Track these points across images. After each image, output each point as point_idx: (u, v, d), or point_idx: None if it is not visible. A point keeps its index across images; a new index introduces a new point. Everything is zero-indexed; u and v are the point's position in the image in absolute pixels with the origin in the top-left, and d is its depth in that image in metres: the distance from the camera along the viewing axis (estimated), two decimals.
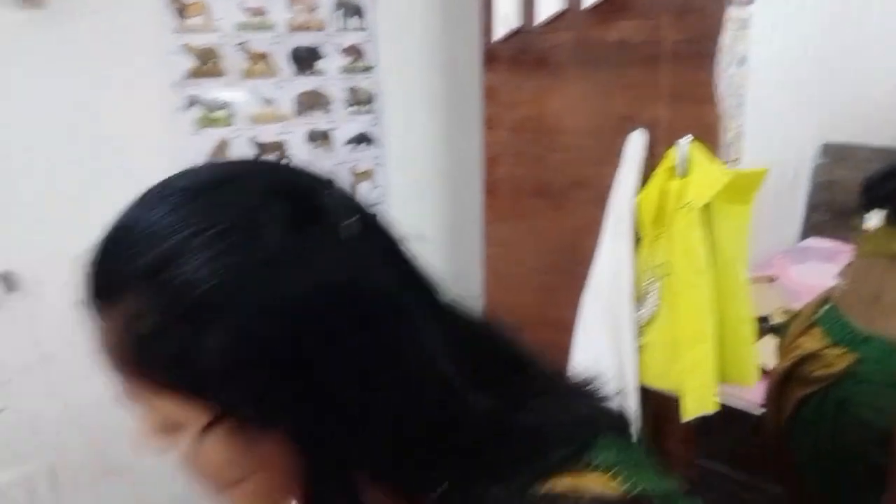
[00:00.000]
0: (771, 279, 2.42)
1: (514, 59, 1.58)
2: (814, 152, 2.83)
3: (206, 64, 1.49)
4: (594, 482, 0.50)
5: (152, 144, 1.45)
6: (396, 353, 0.48)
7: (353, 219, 0.48)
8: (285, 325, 0.45)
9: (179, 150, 1.48)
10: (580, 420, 0.55)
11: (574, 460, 0.51)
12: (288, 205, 0.47)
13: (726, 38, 2.53)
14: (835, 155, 2.78)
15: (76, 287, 1.31)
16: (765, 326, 1.86)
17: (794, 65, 2.77)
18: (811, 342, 1.47)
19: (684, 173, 1.30)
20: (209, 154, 1.52)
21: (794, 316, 1.62)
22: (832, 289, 1.56)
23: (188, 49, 1.46)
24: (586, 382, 0.60)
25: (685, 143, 1.29)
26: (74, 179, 1.37)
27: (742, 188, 1.30)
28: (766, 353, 1.61)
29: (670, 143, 1.31)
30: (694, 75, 1.28)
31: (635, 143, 1.36)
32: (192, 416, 0.47)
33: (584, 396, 0.59)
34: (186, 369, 0.45)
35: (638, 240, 1.42)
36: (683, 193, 1.28)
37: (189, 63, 1.47)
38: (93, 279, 0.49)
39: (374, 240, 0.51)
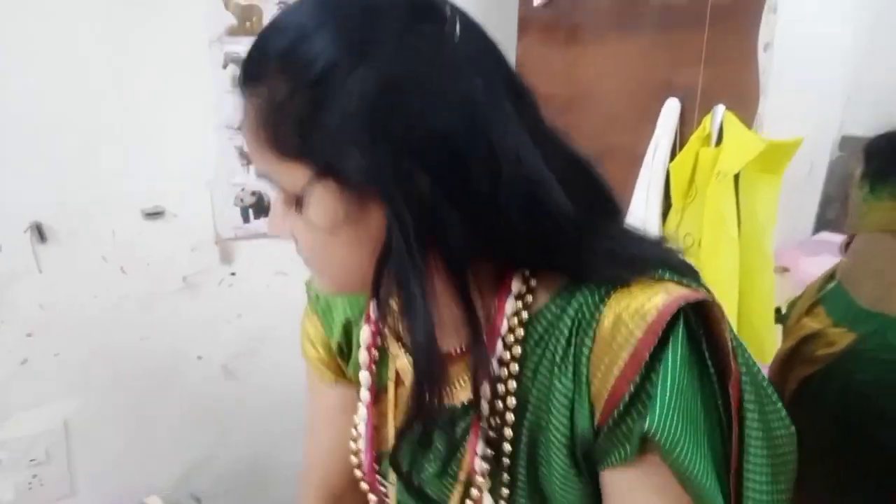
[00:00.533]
0: (784, 270, 2.43)
1: (549, 26, 1.59)
2: (832, 145, 2.84)
3: (248, 21, 1.51)
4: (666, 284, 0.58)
5: (187, 101, 1.47)
6: (486, 139, 0.54)
7: (459, 22, 0.55)
8: (392, 98, 0.51)
9: (214, 107, 1.50)
10: (652, 253, 0.62)
11: (645, 275, 0.58)
12: (409, 3, 0.54)
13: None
14: (853, 148, 2.77)
15: (104, 240, 1.31)
16: (774, 316, 1.87)
17: (817, 55, 2.78)
18: (814, 322, 1.45)
19: (718, 141, 1.31)
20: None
21: (798, 297, 1.62)
22: (836, 266, 1.57)
23: (230, 6, 1.48)
24: (661, 239, 0.66)
25: (720, 111, 1.30)
26: (106, 132, 1.39)
27: (775, 157, 1.31)
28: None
29: (706, 111, 1.32)
30: (736, 37, 1.28)
31: (671, 110, 1.37)
32: (306, 178, 0.54)
33: (656, 243, 0.65)
34: (307, 134, 0.53)
35: (666, 210, 1.44)
36: (716, 161, 1.29)
37: (230, 20, 1.48)
38: (242, 68, 0.57)
39: (476, 45, 0.56)
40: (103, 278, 1.44)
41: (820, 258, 2.48)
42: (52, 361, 1.42)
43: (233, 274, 1.59)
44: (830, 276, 1.58)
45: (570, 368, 0.58)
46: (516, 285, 0.61)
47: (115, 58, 1.36)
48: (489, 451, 0.62)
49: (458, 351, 0.65)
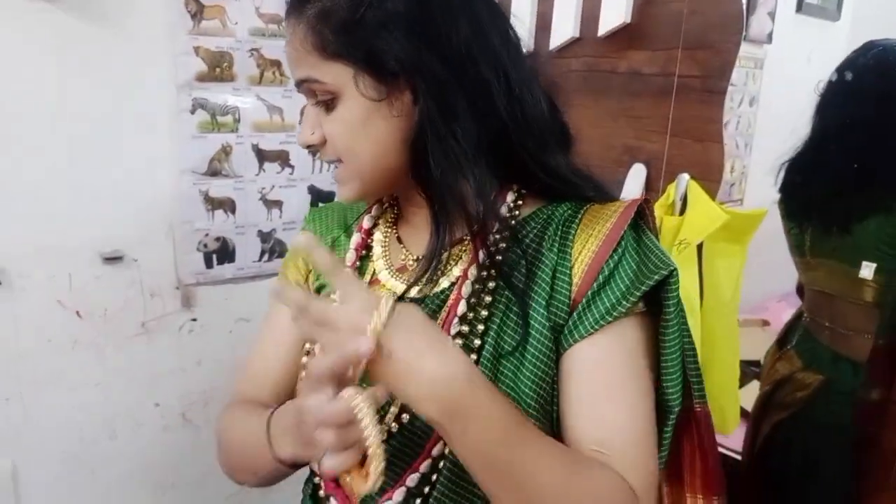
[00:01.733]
0: (764, 323, 2.40)
1: None
2: None
3: (217, 68, 1.50)
4: None
5: (151, 145, 1.46)
6: (493, 55, 0.68)
7: None
8: (423, 5, 0.65)
9: (180, 152, 1.49)
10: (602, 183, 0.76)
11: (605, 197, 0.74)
12: None
13: (739, 77, 2.51)
14: None
15: (60, 283, 1.27)
16: (754, 370, 1.85)
17: (802, 107, 2.77)
18: (786, 366, 1.52)
19: (682, 210, 1.29)
20: (210, 159, 1.52)
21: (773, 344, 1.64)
22: (801, 313, 1.59)
23: (200, 52, 1.47)
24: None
25: (684, 180, 1.29)
26: (68, 175, 1.37)
27: (740, 229, 1.29)
28: (752, 397, 1.60)
29: (671, 178, 1.31)
30: (701, 111, 1.28)
31: (636, 176, 1.36)
32: (347, 73, 0.66)
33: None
34: (351, 33, 0.65)
35: None
36: (680, 231, 1.27)
37: (199, 66, 1.48)
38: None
39: None
40: (58, 322, 1.42)
41: None
42: (1, 406, 1.39)
43: (194, 320, 1.57)
44: (798, 316, 1.60)
45: (556, 246, 0.70)
46: (510, 196, 0.74)
47: (78, 98, 1.35)
48: (464, 328, 0.69)
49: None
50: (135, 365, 1.52)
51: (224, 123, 1.53)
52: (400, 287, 0.75)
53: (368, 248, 0.81)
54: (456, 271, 0.72)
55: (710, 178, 1.27)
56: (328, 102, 0.68)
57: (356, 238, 0.82)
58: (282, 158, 1.61)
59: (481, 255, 0.71)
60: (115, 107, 1.40)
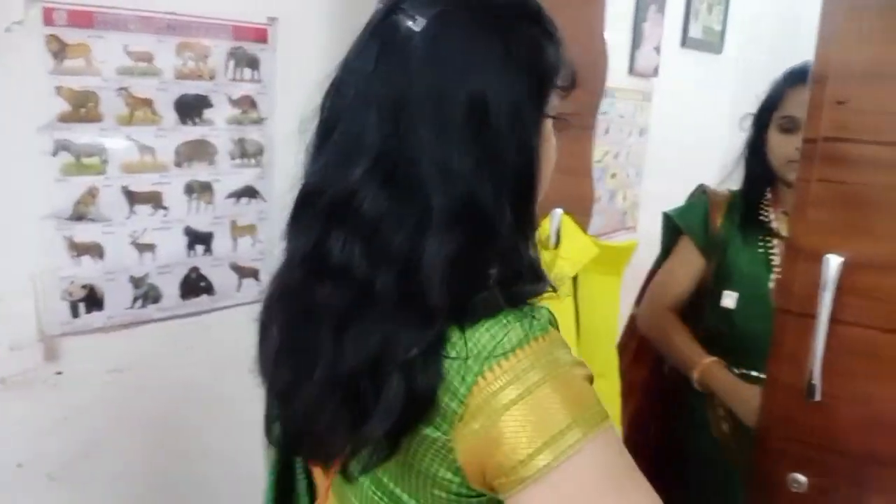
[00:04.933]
0: None
1: None
2: None
3: (82, 108, 1.43)
4: None
5: (10, 190, 1.37)
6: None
7: None
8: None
9: (41, 196, 1.41)
10: None
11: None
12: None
13: (627, 109, 2.61)
14: None
15: None
16: None
17: (692, 135, 2.88)
18: None
19: (556, 244, 1.30)
20: (75, 203, 1.45)
21: None
22: None
23: (62, 92, 1.40)
24: None
25: (558, 214, 1.30)
26: None
27: (612, 260, 1.31)
28: None
29: (544, 213, 1.32)
30: (573, 147, 1.31)
31: None
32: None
33: None
34: None
35: None
36: (554, 264, 1.28)
37: (62, 106, 1.41)
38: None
39: None
40: None
41: None
42: None
43: (59, 373, 1.47)
44: None
45: None
46: None
47: None
48: None
49: None
50: None
51: (90, 165, 1.46)
52: None
53: None
54: None
55: (581, 212, 1.29)
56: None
57: None
58: (154, 200, 1.55)
59: None
60: None
